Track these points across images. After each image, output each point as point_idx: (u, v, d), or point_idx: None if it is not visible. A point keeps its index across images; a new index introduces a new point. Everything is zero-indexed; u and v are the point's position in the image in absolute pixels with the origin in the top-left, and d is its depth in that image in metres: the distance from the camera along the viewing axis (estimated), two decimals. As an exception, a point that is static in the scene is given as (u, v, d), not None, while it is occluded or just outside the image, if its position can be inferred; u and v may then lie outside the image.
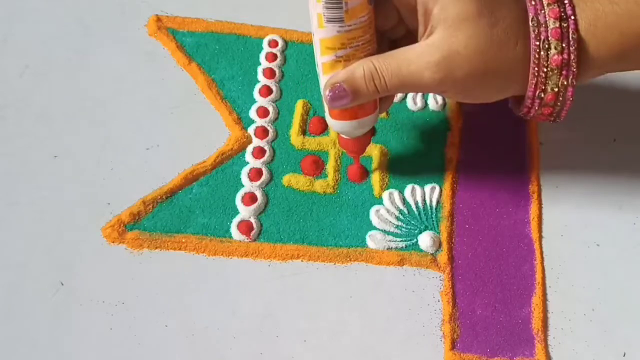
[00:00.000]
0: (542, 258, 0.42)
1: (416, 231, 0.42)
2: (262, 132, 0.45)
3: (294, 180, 0.43)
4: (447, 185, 0.44)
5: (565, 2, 0.34)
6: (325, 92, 0.36)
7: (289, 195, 0.43)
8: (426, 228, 0.42)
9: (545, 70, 0.34)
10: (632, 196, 0.44)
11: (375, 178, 0.44)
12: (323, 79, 0.37)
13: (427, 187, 0.44)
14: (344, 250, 0.41)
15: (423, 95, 0.47)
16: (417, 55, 0.35)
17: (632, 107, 0.48)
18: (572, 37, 0.34)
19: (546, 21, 0.34)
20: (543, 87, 0.35)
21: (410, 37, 0.37)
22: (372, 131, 0.40)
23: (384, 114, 0.46)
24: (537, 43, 0.34)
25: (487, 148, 0.45)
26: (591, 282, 0.41)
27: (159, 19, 0.49)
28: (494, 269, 0.41)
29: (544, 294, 0.40)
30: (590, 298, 0.40)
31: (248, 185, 0.43)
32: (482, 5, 0.34)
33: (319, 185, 0.43)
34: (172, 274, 0.40)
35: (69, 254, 0.40)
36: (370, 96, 0.36)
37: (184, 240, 0.41)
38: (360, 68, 0.36)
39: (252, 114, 0.46)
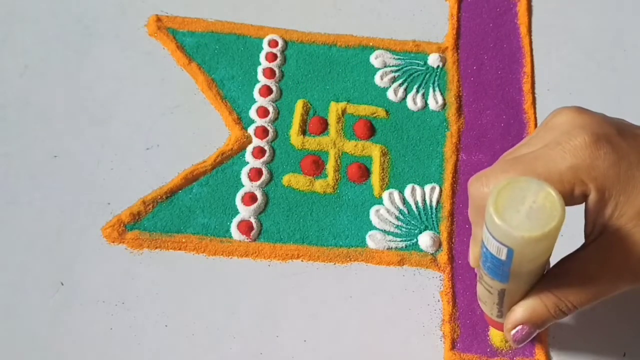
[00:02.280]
0: (542, 258, 0.42)
1: (416, 231, 0.42)
2: (262, 132, 0.45)
3: (294, 180, 0.43)
4: (447, 185, 0.44)
5: None
6: (509, 335, 0.33)
7: (289, 195, 0.43)
8: (426, 228, 0.42)
9: None
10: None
11: (375, 178, 0.44)
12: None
13: (427, 187, 0.44)
14: (344, 250, 0.41)
15: (423, 95, 0.47)
16: (601, 268, 0.31)
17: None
18: None
19: None
20: None
21: None
22: None
23: (384, 114, 0.46)
24: None
25: (487, 148, 0.45)
26: (591, 282, 0.41)
27: (159, 19, 0.49)
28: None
29: (544, 294, 0.40)
30: (590, 298, 0.40)
31: (248, 185, 0.43)
32: None
33: (319, 185, 0.43)
34: (172, 274, 0.40)
35: (69, 254, 0.40)
36: (558, 319, 0.32)
37: (184, 240, 0.41)
38: (540, 302, 0.32)
39: (252, 114, 0.46)
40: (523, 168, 0.30)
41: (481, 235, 0.30)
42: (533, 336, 0.33)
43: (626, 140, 0.31)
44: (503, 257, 0.29)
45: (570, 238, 0.33)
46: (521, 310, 0.32)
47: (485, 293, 0.33)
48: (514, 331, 0.33)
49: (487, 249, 0.30)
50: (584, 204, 0.31)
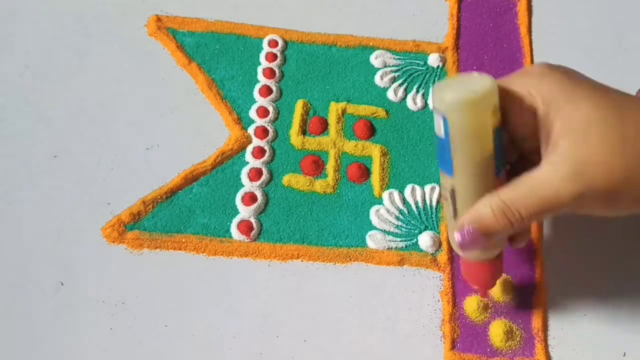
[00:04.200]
0: (542, 258, 0.42)
1: (416, 231, 0.42)
2: (262, 132, 0.45)
3: (294, 180, 0.43)
4: (447, 185, 0.44)
5: None
6: (454, 237, 0.34)
7: (289, 195, 0.43)
8: (426, 228, 0.42)
9: None
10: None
11: (375, 178, 0.44)
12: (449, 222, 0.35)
13: (427, 187, 0.44)
14: (344, 250, 0.41)
15: (423, 95, 0.47)
16: (547, 175, 0.32)
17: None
18: None
19: None
20: None
21: (524, 162, 0.35)
22: (501, 260, 0.37)
23: (384, 114, 0.46)
24: None
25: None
26: (591, 282, 0.41)
27: (159, 19, 0.49)
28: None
29: (544, 294, 0.40)
30: (590, 298, 0.40)
31: (248, 185, 0.43)
32: (606, 107, 0.31)
33: (319, 185, 0.43)
34: (172, 274, 0.40)
35: (69, 254, 0.40)
36: (505, 232, 0.33)
37: (184, 240, 0.41)
38: (488, 206, 0.33)
39: (252, 114, 0.46)
40: None
41: None
42: (480, 245, 0.33)
43: (581, 75, 0.33)
44: (442, 133, 0.33)
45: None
46: (469, 213, 0.33)
47: (445, 207, 0.35)
48: (458, 233, 0.34)
49: (436, 137, 0.33)
50: None
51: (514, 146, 0.35)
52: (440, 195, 0.35)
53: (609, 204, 0.32)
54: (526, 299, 0.40)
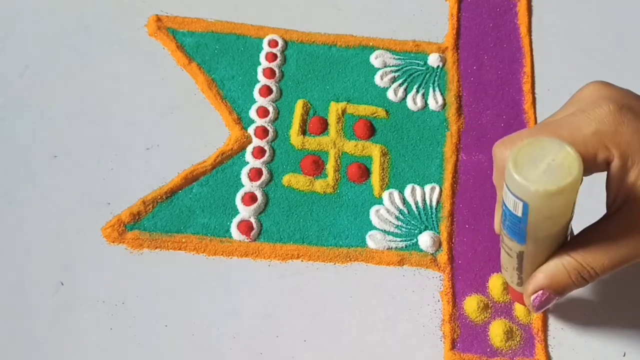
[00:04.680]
0: (542, 258, 0.42)
1: (416, 231, 0.42)
2: (262, 132, 0.45)
3: (294, 180, 0.43)
4: (447, 185, 0.44)
5: None
6: (529, 301, 0.33)
7: (289, 195, 0.43)
8: (426, 228, 0.42)
9: None
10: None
11: (375, 178, 0.44)
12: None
13: (427, 187, 0.44)
14: (344, 250, 0.41)
15: (423, 95, 0.47)
16: (623, 234, 0.31)
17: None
18: None
19: None
20: None
21: None
22: None
23: (384, 114, 0.46)
24: None
25: (487, 148, 0.45)
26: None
27: (159, 19, 0.49)
28: (493, 269, 0.41)
29: (544, 294, 0.40)
30: (590, 298, 0.40)
31: (248, 185, 0.43)
32: None
33: (319, 185, 0.43)
34: (172, 274, 0.40)
35: (69, 254, 0.40)
36: (579, 287, 0.33)
37: (184, 240, 0.41)
38: (561, 268, 0.32)
39: (252, 114, 0.46)
40: (548, 132, 0.30)
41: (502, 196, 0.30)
42: (553, 303, 0.33)
43: None
44: (519, 213, 0.29)
45: (595, 214, 0.33)
46: (541, 275, 0.32)
47: (506, 257, 0.34)
48: (533, 296, 0.33)
49: (505, 206, 0.30)
50: (605, 174, 0.32)
51: None
52: (502, 246, 0.33)
53: None
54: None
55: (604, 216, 0.33)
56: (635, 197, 0.31)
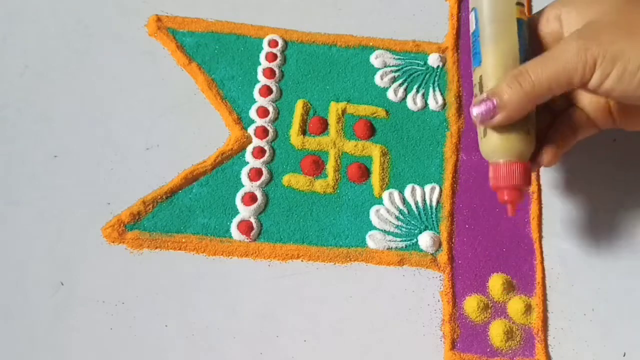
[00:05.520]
0: (542, 258, 0.42)
1: (416, 231, 0.42)
2: (262, 132, 0.45)
3: (294, 180, 0.43)
4: (447, 185, 0.44)
5: None
6: (473, 113, 0.35)
7: (289, 195, 0.43)
8: (426, 228, 0.42)
9: None
10: (632, 195, 0.44)
11: (375, 178, 0.44)
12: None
13: (427, 187, 0.44)
14: (344, 250, 0.41)
15: (423, 95, 0.47)
16: (557, 45, 0.34)
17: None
18: None
19: None
20: None
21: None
22: (529, 166, 0.36)
23: (384, 114, 0.46)
24: None
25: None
26: (591, 282, 0.41)
27: (159, 19, 0.49)
28: (493, 269, 0.41)
29: (544, 294, 0.40)
30: (590, 298, 0.40)
31: (248, 185, 0.43)
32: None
33: (319, 185, 0.43)
34: (172, 274, 0.40)
35: (69, 254, 0.40)
36: (518, 99, 0.34)
37: (184, 240, 0.41)
38: (503, 77, 0.35)
39: (252, 114, 0.46)
40: None
41: None
42: (495, 116, 0.35)
43: None
44: (473, 25, 0.37)
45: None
46: (489, 89, 0.35)
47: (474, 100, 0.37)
48: (476, 106, 0.35)
49: (471, 34, 0.38)
50: None
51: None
52: (474, 94, 0.37)
53: (617, 59, 0.33)
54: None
55: None
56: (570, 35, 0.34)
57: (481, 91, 0.36)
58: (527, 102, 0.34)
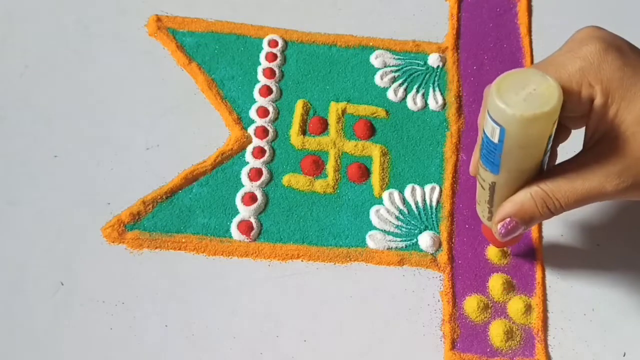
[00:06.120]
0: (542, 258, 0.42)
1: (416, 231, 0.42)
2: (262, 132, 0.45)
3: (294, 180, 0.43)
4: (447, 185, 0.44)
5: None
6: (496, 229, 0.35)
7: (289, 195, 0.43)
8: (426, 228, 0.42)
9: None
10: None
11: (375, 178, 0.44)
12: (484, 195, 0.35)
13: (427, 187, 0.44)
14: (344, 250, 0.41)
15: (423, 95, 0.47)
16: (592, 169, 0.32)
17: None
18: None
19: None
20: None
21: (560, 130, 0.35)
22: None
23: (384, 114, 0.46)
24: None
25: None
26: (591, 282, 0.41)
27: (159, 19, 0.49)
28: (494, 269, 0.41)
29: (544, 294, 0.40)
30: (590, 298, 0.40)
31: (248, 185, 0.43)
32: None
33: (319, 185, 0.43)
34: (172, 274, 0.40)
35: (69, 254, 0.40)
36: (544, 219, 0.34)
37: (184, 240, 0.41)
38: (529, 196, 0.33)
39: (252, 114, 0.46)
40: (536, 69, 0.31)
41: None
42: (519, 233, 0.34)
43: (635, 53, 0.32)
44: (496, 139, 0.31)
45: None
46: (509, 204, 0.34)
47: (480, 190, 0.35)
48: (500, 224, 0.34)
49: (485, 134, 0.31)
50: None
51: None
52: (478, 179, 0.35)
53: None
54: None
55: (579, 152, 0.33)
56: (610, 133, 0.32)
57: (492, 198, 0.34)
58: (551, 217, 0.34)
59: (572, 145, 0.35)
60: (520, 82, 0.30)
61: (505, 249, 0.42)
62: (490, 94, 0.30)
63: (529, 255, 0.42)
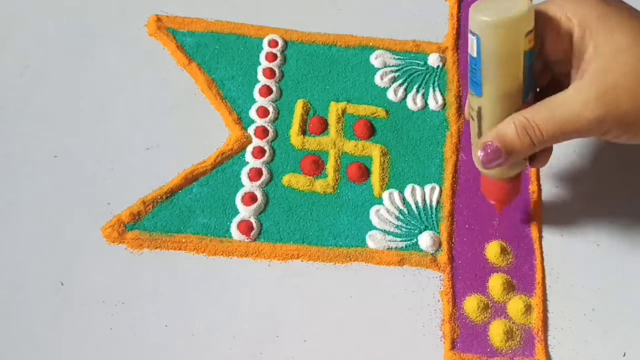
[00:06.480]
0: (542, 258, 0.42)
1: (416, 231, 0.42)
2: (262, 132, 0.45)
3: (294, 180, 0.43)
4: (447, 185, 0.44)
5: None
6: (477, 154, 0.35)
7: (289, 195, 0.43)
8: (426, 228, 0.42)
9: None
10: (632, 196, 0.44)
11: (375, 178, 0.44)
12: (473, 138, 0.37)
13: (427, 187, 0.44)
14: (344, 250, 0.41)
15: (423, 95, 0.47)
16: (571, 97, 0.33)
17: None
18: None
19: None
20: None
21: (555, 85, 0.36)
22: (520, 179, 0.38)
23: (384, 114, 0.46)
24: None
25: (487, 148, 0.45)
26: (591, 282, 0.41)
27: (159, 19, 0.49)
28: (494, 269, 0.41)
29: (544, 294, 0.40)
30: (590, 298, 0.40)
31: (248, 185, 0.43)
32: (636, 35, 0.33)
33: (319, 185, 0.43)
34: (172, 274, 0.40)
35: (69, 254, 0.40)
36: (526, 151, 0.35)
37: (184, 240, 0.41)
38: (511, 123, 0.34)
39: (252, 114, 0.46)
40: None
41: None
42: (500, 162, 0.35)
43: None
44: (474, 52, 0.33)
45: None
46: (493, 131, 0.35)
47: (472, 126, 0.36)
48: (481, 149, 0.35)
49: (469, 55, 0.34)
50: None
51: (546, 69, 0.36)
52: (468, 112, 0.37)
53: (629, 129, 0.33)
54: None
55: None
56: (589, 67, 0.33)
57: (479, 124, 0.36)
58: (534, 151, 0.35)
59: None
60: (499, 2, 0.33)
61: (504, 245, 0.41)
62: (470, 8, 0.33)
63: (529, 255, 0.42)
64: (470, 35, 0.33)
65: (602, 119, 0.33)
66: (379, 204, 0.43)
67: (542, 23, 0.34)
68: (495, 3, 0.33)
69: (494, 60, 0.33)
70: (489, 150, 0.35)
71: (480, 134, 0.36)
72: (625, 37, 0.32)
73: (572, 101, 0.33)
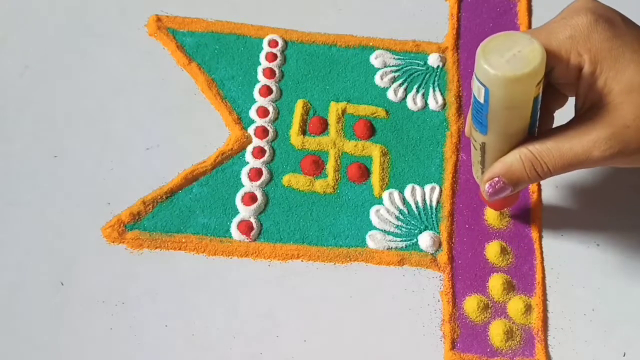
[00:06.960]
0: (542, 258, 0.42)
1: (416, 231, 0.42)
2: (262, 132, 0.45)
3: (294, 180, 0.43)
4: (447, 185, 0.44)
5: None
6: (484, 188, 0.36)
7: (289, 195, 0.43)
8: (426, 228, 0.42)
9: None
10: (632, 196, 0.44)
11: (375, 178, 0.44)
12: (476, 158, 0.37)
13: (427, 187, 0.44)
14: (344, 250, 0.41)
15: (423, 95, 0.47)
16: (580, 134, 0.33)
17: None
18: None
19: None
20: None
21: (555, 93, 0.36)
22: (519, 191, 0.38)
23: (384, 114, 0.46)
24: None
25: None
26: (591, 282, 0.41)
27: (159, 19, 0.49)
28: (494, 269, 0.41)
29: (544, 294, 0.40)
30: (590, 298, 0.40)
31: (248, 185, 0.43)
32: None
33: (319, 185, 0.43)
34: (172, 274, 0.40)
35: (69, 254, 0.40)
36: (532, 182, 0.35)
37: (184, 240, 0.41)
38: (517, 158, 0.34)
39: (252, 114, 0.46)
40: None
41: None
42: (506, 194, 0.35)
43: (626, 25, 0.33)
44: (482, 99, 0.32)
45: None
46: (499, 164, 0.35)
47: (473, 151, 0.36)
48: (488, 184, 0.35)
49: (473, 95, 0.33)
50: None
51: (549, 84, 0.36)
52: (471, 142, 0.37)
53: (634, 163, 0.34)
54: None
55: (571, 119, 0.34)
56: (599, 102, 0.33)
57: (483, 156, 0.36)
58: (539, 180, 0.35)
59: (571, 114, 0.36)
60: (507, 45, 0.31)
61: (504, 245, 0.42)
62: (476, 56, 0.31)
63: (529, 255, 0.42)
64: (477, 82, 0.32)
65: (611, 158, 0.33)
66: (379, 204, 0.43)
67: (551, 59, 0.32)
68: (504, 45, 0.31)
69: (503, 109, 0.32)
70: (496, 186, 0.35)
71: (483, 163, 0.36)
72: (638, 74, 0.32)
73: (581, 139, 0.33)
